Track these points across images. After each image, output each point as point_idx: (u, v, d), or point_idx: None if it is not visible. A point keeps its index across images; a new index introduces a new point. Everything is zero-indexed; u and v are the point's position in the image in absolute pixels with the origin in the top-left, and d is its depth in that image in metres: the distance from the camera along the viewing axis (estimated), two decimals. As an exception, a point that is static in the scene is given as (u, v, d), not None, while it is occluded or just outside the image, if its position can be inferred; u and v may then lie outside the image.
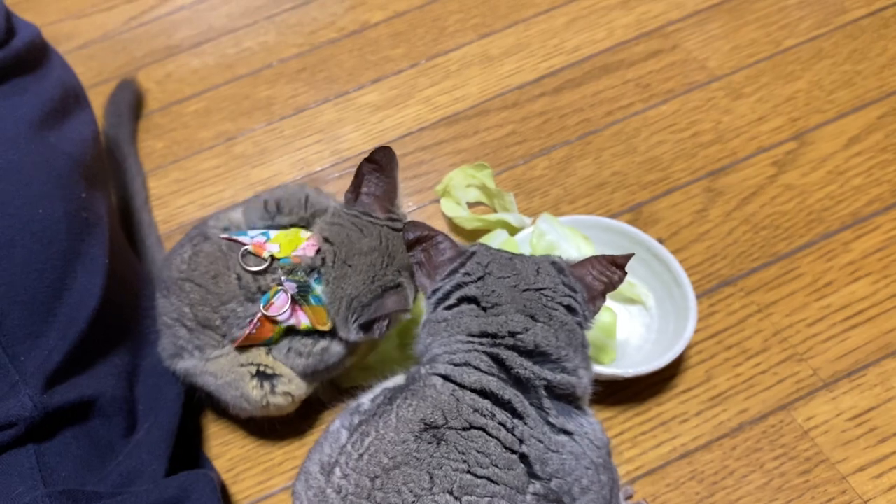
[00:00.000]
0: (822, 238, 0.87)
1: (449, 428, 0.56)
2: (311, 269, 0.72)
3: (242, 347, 0.73)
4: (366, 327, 0.71)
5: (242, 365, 0.72)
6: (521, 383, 0.59)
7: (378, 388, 0.63)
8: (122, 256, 0.83)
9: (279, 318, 0.71)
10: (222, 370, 0.73)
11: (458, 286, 0.63)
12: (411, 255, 0.67)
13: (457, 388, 0.58)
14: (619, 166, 0.97)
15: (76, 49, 1.25)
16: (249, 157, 1.07)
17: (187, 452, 0.78)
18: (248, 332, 0.71)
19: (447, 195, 0.95)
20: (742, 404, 0.77)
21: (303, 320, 0.72)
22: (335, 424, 0.62)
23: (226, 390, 0.74)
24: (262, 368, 0.72)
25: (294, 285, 0.71)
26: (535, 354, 0.60)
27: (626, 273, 0.64)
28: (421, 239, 0.66)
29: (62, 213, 0.73)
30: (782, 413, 0.76)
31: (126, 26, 1.27)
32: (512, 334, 0.60)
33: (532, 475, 0.56)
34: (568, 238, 0.83)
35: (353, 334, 0.71)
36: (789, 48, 1.06)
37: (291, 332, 0.73)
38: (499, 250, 0.66)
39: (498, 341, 0.60)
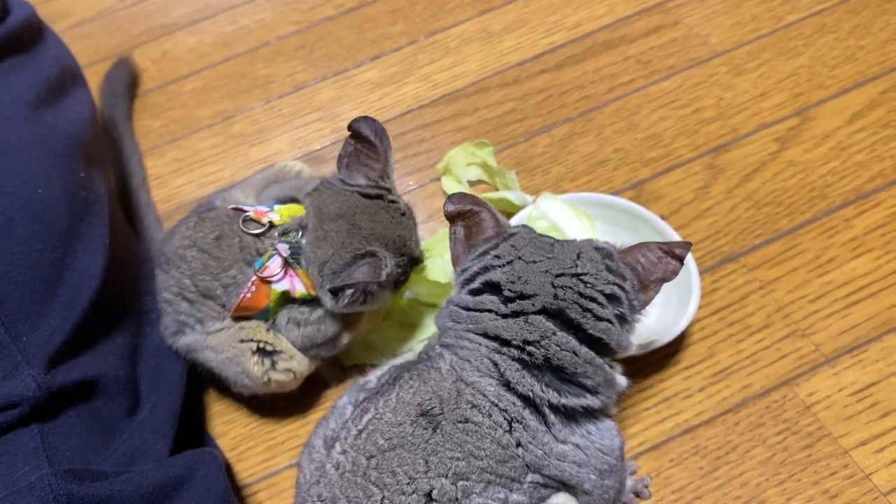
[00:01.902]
0: (824, 214, 0.87)
1: (445, 418, 0.55)
2: (300, 232, 0.72)
3: (241, 320, 0.73)
4: (335, 293, 0.69)
5: (243, 341, 0.72)
6: (523, 398, 0.57)
7: (387, 366, 0.64)
8: (121, 236, 0.83)
9: (273, 280, 0.71)
10: (222, 344, 0.73)
11: (485, 269, 0.60)
12: (452, 230, 0.63)
13: (460, 379, 0.57)
14: (620, 143, 0.97)
15: (71, 27, 1.23)
16: (248, 136, 1.07)
17: (191, 431, 0.78)
18: (243, 295, 0.71)
19: (448, 173, 0.95)
20: (745, 380, 0.77)
21: (298, 286, 0.72)
22: (343, 400, 0.63)
23: (227, 366, 0.74)
24: (262, 345, 0.72)
25: (286, 247, 0.71)
26: (547, 369, 0.56)
27: (683, 264, 0.59)
28: (462, 213, 0.63)
29: (61, 192, 0.72)
30: (785, 388, 0.76)
31: (121, 4, 1.26)
32: (525, 343, 0.56)
33: (529, 467, 0.56)
34: (569, 216, 0.82)
35: (328, 301, 0.71)
36: (791, 23, 1.05)
37: (290, 301, 0.73)
38: (542, 235, 0.62)
39: (506, 351, 0.57)
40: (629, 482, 0.71)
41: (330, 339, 0.75)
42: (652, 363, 0.79)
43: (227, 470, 0.76)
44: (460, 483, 0.54)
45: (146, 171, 1.03)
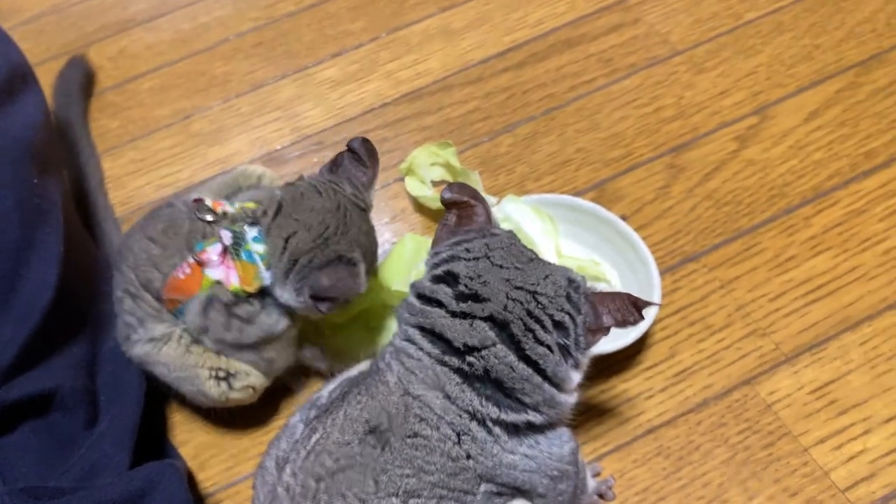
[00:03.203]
0: (783, 213, 0.88)
1: (393, 434, 0.54)
2: (252, 222, 0.70)
3: (174, 306, 0.71)
4: (318, 299, 0.67)
5: (195, 365, 0.71)
6: (466, 412, 0.55)
7: (338, 379, 0.62)
8: (77, 242, 0.81)
9: (208, 264, 0.69)
10: (173, 362, 0.71)
11: (452, 258, 0.59)
12: (444, 217, 0.63)
13: (407, 393, 0.56)
14: (582, 143, 0.97)
15: (23, 24, 1.20)
16: (206, 136, 1.05)
17: (152, 440, 0.77)
18: (175, 274, 0.69)
19: (411, 174, 0.94)
20: (706, 380, 0.78)
21: (233, 279, 0.69)
22: (294, 418, 0.61)
23: (181, 384, 0.72)
24: (215, 372, 0.71)
25: (230, 234, 0.70)
26: (487, 381, 0.55)
27: (643, 318, 0.57)
28: (458, 203, 0.62)
29: (13, 201, 0.70)
30: (746, 388, 0.77)
31: (75, -1, 1.23)
32: (466, 348, 0.55)
33: (482, 477, 0.55)
34: (532, 218, 0.82)
35: (287, 293, 0.69)
36: (750, 21, 1.06)
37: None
38: (525, 246, 0.60)
39: (448, 360, 0.55)
40: (592, 483, 0.71)
41: (250, 344, 0.72)
42: (614, 364, 0.79)
43: (190, 479, 0.75)
44: (412, 501, 0.53)
45: (103, 173, 1.01)
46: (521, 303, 0.56)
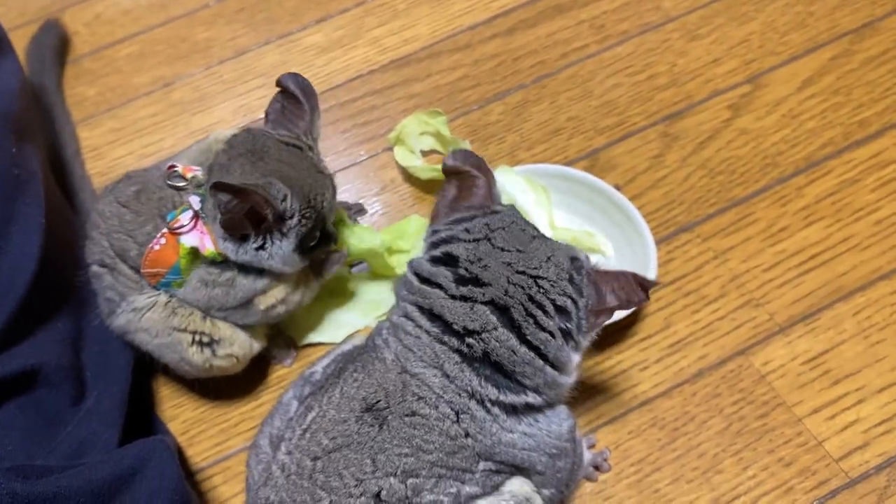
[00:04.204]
0: (776, 183, 0.87)
1: (391, 412, 0.54)
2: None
3: (154, 281, 0.69)
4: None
5: (177, 329, 0.69)
6: (465, 391, 0.54)
7: (333, 354, 0.61)
8: (58, 213, 0.79)
9: (181, 232, 0.67)
10: (155, 327, 0.70)
11: (452, 238, 0.57)
12: (443, 187, 0.61)
13: (405, 371, 0.55)
14: (575, 111, 0.95)
15: (-7, -14, 1.16)
16: (189, 104, 1.02)
17: (140, 416, 0.75)
18: (151, 247, 0.68)
19: (401, 143, 0.92)
20: (701, 350, 0.78)
21: (207, 244, 0.68)
22: (287, 395, 0.61)
23: (164, 351, 0.71)
24: (198, 337, 0.70)
25: (198, 199, 0.68)
26: (486, 363, 0.54)
27: (648, 298, 0.56)
28: (460, 172, 0.60)
29: (-9, 171, 0.68)
30: (740, 358, 0.77)
31: (47, -39, 1.19)
32: (466, 331, 0.54)
33: (480, 455, 0.55)
34: (525, 189, 0.81)
35: (222, 241, 0.67)
36: (743, -12, 1.04)
37: (200, 261, 0.69)
38: (527, 223, 0.59)
39: (447, 340, 0.54)
40: (588, 455, 0.71)
41: (241, 305, 0.71)
42: (609, 335, 0.79)
43: (179, 455, 0.74)
44: (410, 481, 0.52)
45: (80, 143, 0.98)
46: (523, 287, 0.55)
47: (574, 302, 0.55)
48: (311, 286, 0.75)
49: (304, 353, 0.81)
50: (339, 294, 0.82)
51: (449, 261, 0.56)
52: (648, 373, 0.77)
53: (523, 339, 0.54)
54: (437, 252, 0.57)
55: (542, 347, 0.55)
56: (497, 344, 0.54)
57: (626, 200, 0.80)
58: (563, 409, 0.59)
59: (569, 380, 0.58)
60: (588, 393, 0.76)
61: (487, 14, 1.05)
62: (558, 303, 0.55)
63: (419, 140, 0.92)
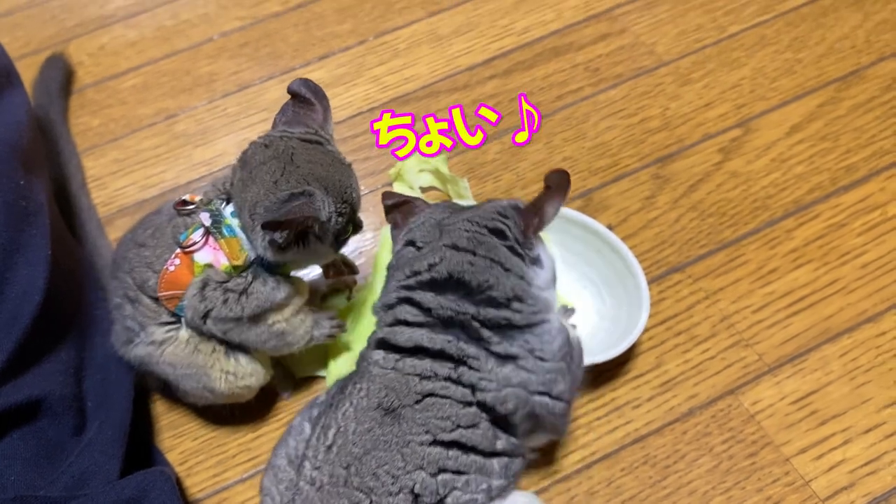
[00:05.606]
0: (766, 225, 0.90)
1: (403, 405, 0.57)
2: (225, 199, 0.70)
3: (171, 306, 0.70)
4: (269, 228, 0.64)
5: (204, 366, 0.71)
6: (449, 323, 0.59)
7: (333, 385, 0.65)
8: (63, 244, 0.80)
9: (194, 250, 0.68)
10: (180, 361, 0.71)
11: (408, 231, 0.65)
12: (390, 219, 0.68)
13: (397, 356, 0.59)
14: (569, 151, 0.98)
15: (0, 18, 1.18)
16: (191, 137, 1.04)
17: (139, 446, 0.76)
18: (165, 268, 0.69)
19: (400, 179, 0.94)
20: (692, 389, 0.79)
21: (221, 259, 0.69)
22: (297, 419, 0.64)
23: (186, 381, 0.72)
24: (225, 374, 0.72)
25: (208, 215, 0.69)
26: (453, 285, 0.60)
27: (568, 177, 0.63)
28: (397, 204, 0.68)
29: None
30: (730, 398, 0.78)
31: (54, -7, 1.21)
32: (430, 267, 0.60)
33: (496, 424, 0.58)
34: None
35: (261, 247, 0.67)
36: (734, 34, 1.07)
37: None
38: (464, 206, 0.67)
39: (419, 279, 0.60)
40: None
41: (254, 318, 0.70)
42: (603, 373, 0.80)
43: (178, 486, 0.75)
44: (440, 477, 0.56)
45: (85, 173, 0.99)
46: (458, 229, 0.62)
47: (501, 222, 0.62)
48: (308, 318, 0.76)
49: (304, 385, 0.82)
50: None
51: (407, 244, 0.64)
52: (641, 410, 0.78)
53: (475, 253, 0.60)
54: (398, 245, 0.65)
55: (493, 257, 0.60)
56: (456, 259, 0.60)
57: (619, 241, 0.82)
58: (553, 327, 0.63)
59: (542, 293, 0.62)
60: (583, 429, 0.77)
61: (485, 55, 1.08)
62: (490, 227, 0.62)
63: (418, 177, 0.94)
